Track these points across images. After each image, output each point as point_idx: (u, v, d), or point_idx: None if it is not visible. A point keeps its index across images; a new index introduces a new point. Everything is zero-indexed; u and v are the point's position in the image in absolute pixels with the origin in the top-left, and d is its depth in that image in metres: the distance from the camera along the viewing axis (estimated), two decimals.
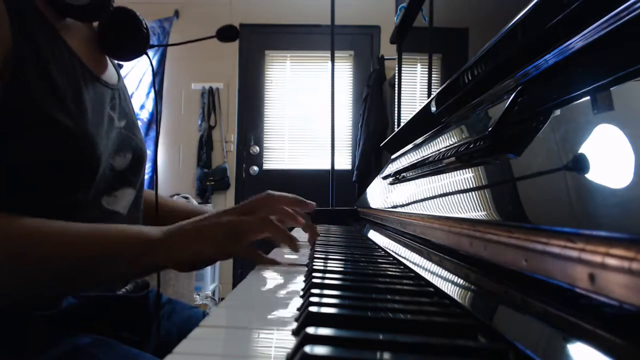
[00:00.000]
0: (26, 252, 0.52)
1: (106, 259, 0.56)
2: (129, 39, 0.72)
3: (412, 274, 0.50)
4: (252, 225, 0.59)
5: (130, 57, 0.74)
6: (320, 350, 0.24)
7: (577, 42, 0.36)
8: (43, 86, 0.56)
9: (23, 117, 0.54)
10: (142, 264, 0.57)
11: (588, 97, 0.32)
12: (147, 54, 0.75)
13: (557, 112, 0.36)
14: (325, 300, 0.35)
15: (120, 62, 0.82)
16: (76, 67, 0.62)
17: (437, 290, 0.41)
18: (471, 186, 0.50)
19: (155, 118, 3.28)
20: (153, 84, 3.20)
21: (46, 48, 0.58)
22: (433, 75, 1.10)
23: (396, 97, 1.57)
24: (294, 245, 0.62)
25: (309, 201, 0.65)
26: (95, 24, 0.71)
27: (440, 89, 0.76)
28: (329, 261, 0.58)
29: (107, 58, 0.74)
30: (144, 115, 3.29)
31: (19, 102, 0.54)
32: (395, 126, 1.52)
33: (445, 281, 0.42)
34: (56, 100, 0.57)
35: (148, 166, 2.77)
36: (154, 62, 3.22)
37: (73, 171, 0.59)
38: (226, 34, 0.81)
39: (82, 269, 0.55)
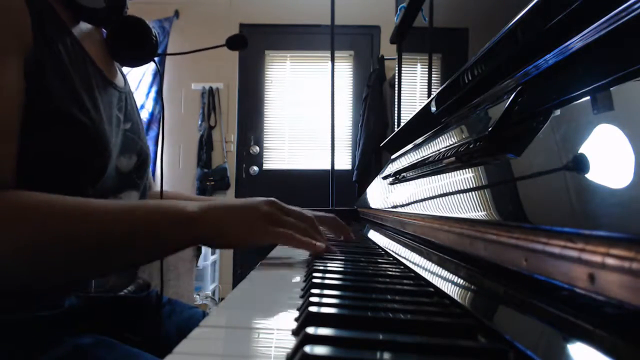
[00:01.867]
0: (61, 228, 0.50)
1: (144, 233, 0.54)
2: (139, 47, 0.73)
3: (412, 274, 0.50)
4: (287, 219, 0.60)
5: (138, 64, 0.76)
6: (320, 350, 0.24)
7: (577, 42, 0.36)
8: (61, 83, 0.57)
9: (40, 112, 0.55)
10: (178, 238, 0.56)
11: (588, 97, 0.32)
12: (154, 61, 0.76)
13: (557, 112, 0.36)
14: (325, 300, 0.35)
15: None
16: (89, 67, 0.64)
17: (437, 290, 0.41)
18: (471, 186, 0.50)
19: (154, 118, 3.28)
20: (159, 89, 3.21)
21: (62, 47, 0.59)
22: (433, 75, 1.10)
23: (396, 97, 1.57)
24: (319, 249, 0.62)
25: (350, 231, 0.66)
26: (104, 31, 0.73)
27: (440, 89, 0.76)
28: (328, 261, 0.58)
29: (115, 63, 0.75)
30: (143, 115, 3.29)
31: (38, 97, 0.54)
32: (395, 126, 1.52)
33: (445, 281, 0.42)
34: (72, 97, 0.58)
35: None
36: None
37: (84, 166, 0.60)
38: (236, 42, 0.81)
39: (119, 244, 0.53)
